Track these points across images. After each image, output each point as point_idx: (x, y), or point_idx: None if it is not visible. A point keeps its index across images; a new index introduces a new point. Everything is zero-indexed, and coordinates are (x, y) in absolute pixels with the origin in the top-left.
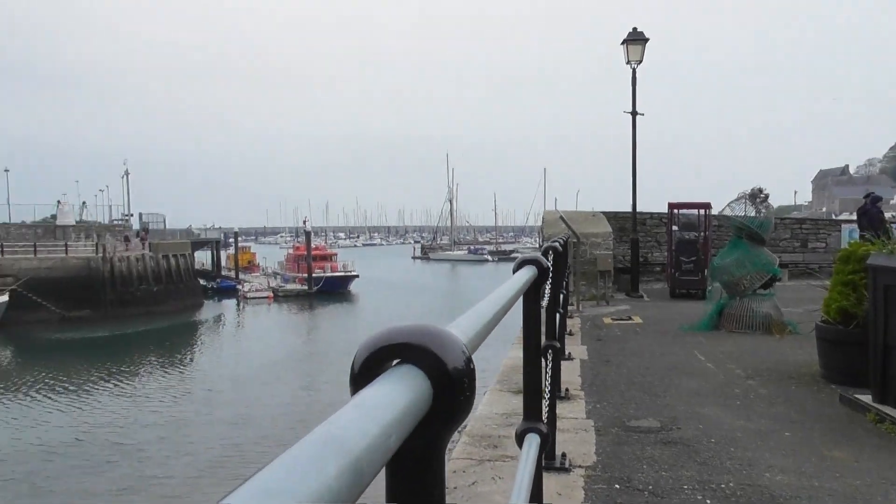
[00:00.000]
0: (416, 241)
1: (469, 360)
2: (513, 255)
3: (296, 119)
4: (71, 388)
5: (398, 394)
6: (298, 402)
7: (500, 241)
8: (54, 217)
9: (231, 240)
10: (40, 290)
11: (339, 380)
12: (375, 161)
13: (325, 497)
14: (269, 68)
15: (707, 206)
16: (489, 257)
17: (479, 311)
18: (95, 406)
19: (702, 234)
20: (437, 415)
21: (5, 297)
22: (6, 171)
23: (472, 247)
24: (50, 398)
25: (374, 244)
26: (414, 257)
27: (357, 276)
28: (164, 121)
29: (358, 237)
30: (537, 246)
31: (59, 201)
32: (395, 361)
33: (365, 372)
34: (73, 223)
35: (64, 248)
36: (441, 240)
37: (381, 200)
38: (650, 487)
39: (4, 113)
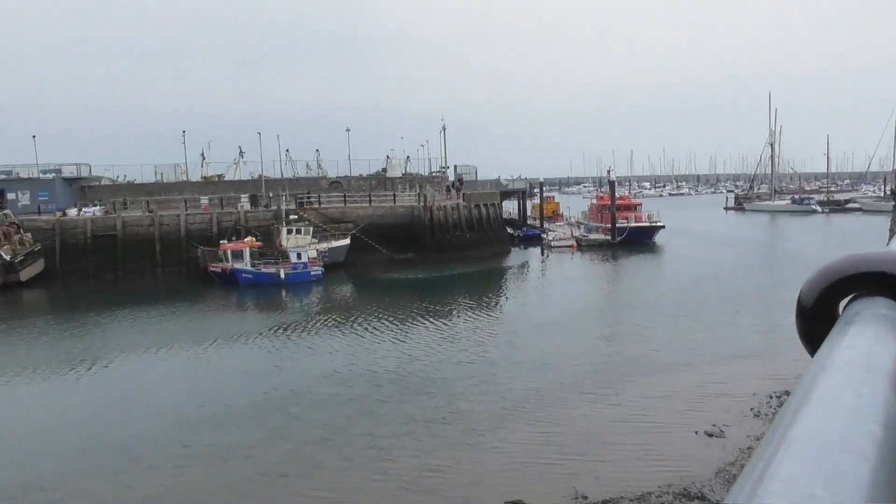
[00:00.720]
0: (728, 191)
1: None
2: (848, 205)
3: (597, 69)
4: (395, 322)
5: (890, 336)
6: (597, 353)
7: (833, 189)
8: (384, 170)
9: (536, 190)
10: (373, 234)
11: (641, 332)
12: (684, 107)
13: None
14: (568, 21)
15: None
16: (818, 208)
17: None
18: (414, 341)
19: None
20: None
21: (347, 241)
22: (347, 130)
23: (796, 196)
24: (377, 331)
25: (682, 194)
26: (726, 208)
27: (663, 227)
28: (475, 78)
29: (664, 186)
30: (882, 195)
31: (387, 156)
32: (848, 297)
33: (818, 307)
34: (400, 175)
35: (392, 198)
36: (759, 189)
37: (691, 147)
38: None
39: (349, 79)
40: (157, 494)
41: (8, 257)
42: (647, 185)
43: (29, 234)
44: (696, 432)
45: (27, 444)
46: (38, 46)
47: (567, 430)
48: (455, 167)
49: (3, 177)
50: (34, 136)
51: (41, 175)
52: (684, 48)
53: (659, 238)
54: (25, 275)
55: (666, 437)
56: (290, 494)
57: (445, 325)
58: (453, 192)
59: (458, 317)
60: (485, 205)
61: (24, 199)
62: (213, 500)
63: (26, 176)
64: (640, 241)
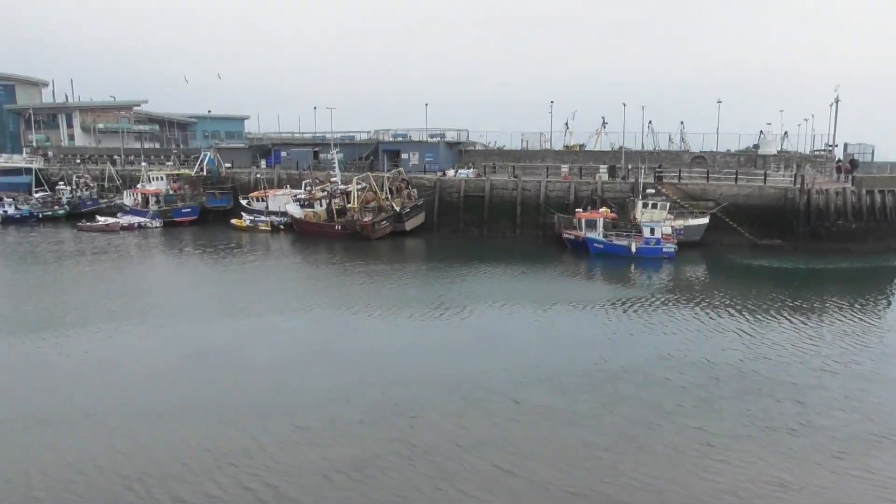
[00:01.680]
0: None
1: None
2: None
3: None
4: (746, 313)
5: None
6: None
7: None
8: (756, 146)
9: None
10: (736, 215)
11: None
12: None
13: None
14: None
15: None
16: None
17: None
18: (765, 336)
19: None
20: None
21: (706, 220)
22: (718, 102)
23: None
24: (724, 319)
25: None
26: None
27: None
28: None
29: None
30: None
31: (761, 131)
32: None
33: None
34: (774, 153)
35: (763, 178)
36: None
37: None
38: None
39: (726, 44)
40: (488, 441)
41: (398, 209)
42: None
43: (415, 190)
44: None
45: (389, 373)
46: (450, 44)
47: None
48: (845, 146)
49: (400, 139)
50: (426, 104)
51: (429, 139)
52: None
53: None
54: (410, 225)
55: None
56: (611, 472)
57: (808, 324)
58: (841, 174)
59: (826, 317)
60: (881, 191)
61: (414, 159)
62: (538, 457)
63: (417, 139)
64: None
